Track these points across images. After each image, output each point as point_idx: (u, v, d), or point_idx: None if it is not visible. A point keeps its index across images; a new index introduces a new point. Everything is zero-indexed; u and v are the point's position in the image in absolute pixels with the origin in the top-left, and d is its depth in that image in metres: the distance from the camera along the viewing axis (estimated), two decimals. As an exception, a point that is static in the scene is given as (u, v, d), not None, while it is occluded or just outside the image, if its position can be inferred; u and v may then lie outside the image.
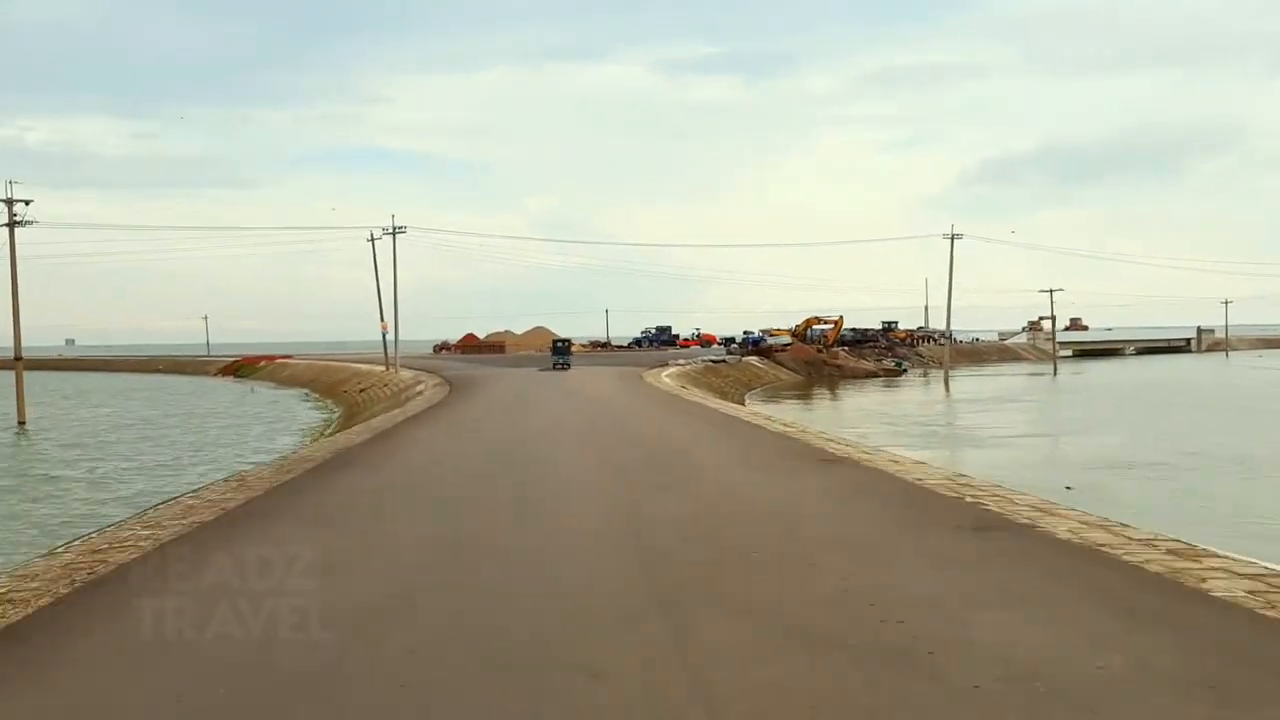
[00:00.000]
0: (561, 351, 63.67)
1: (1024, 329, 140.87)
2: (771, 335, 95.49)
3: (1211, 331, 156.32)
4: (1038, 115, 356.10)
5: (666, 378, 49.35)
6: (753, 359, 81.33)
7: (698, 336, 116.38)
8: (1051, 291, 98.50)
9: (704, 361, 68.69)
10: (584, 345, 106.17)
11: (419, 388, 43.64)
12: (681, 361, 64.13)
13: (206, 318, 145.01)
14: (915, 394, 69.98)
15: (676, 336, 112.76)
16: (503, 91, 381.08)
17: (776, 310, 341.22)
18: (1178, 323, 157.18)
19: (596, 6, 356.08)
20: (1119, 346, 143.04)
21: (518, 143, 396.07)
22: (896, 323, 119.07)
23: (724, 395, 54.67)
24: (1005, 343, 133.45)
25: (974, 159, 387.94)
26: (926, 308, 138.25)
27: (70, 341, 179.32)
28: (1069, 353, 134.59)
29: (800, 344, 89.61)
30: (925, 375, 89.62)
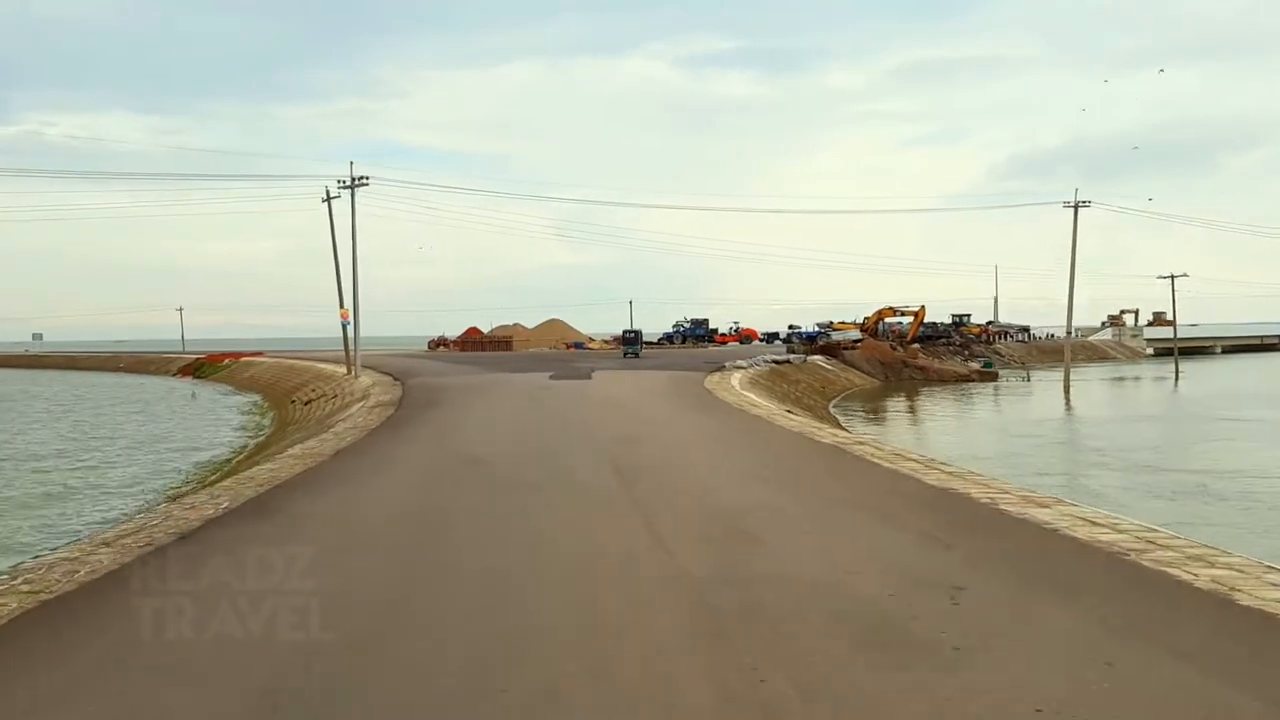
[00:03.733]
0: (631, 342, 68.74)
1: (1104, 324, 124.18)
2: (836, 330, 79.46)
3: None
4: (1067, 109, 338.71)
5: (740, 386, 33.33)
6: (818, 359, 65.16)
7: (736, 331, 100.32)
8: (1173, 277, 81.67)
9: (768, 363, 52.59)
10: (606, 342, 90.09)
11: (357, 407, 27.57)
12: (741, 363, 48.05)
13: (181, 310, 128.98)
14: (1039, 407, 53.82)
15: (714, 331, 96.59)
16: (523, 88, 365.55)
17: (811, 302, 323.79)
18: (1240, 319, 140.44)
19: (616, 3, 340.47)
20: (1208, 344, 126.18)
21: (539, 139, 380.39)
22: (969, 316, 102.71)
23: (807, 409, 38.84)
24: (1089, 339, 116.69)
25: (1003, 154, 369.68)
26: (996, 299, 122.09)
27: (38, 336, 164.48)
28: (1151, 350, 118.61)
29: (873, 340, 73.41)
30: (1026, 379, 73.16)
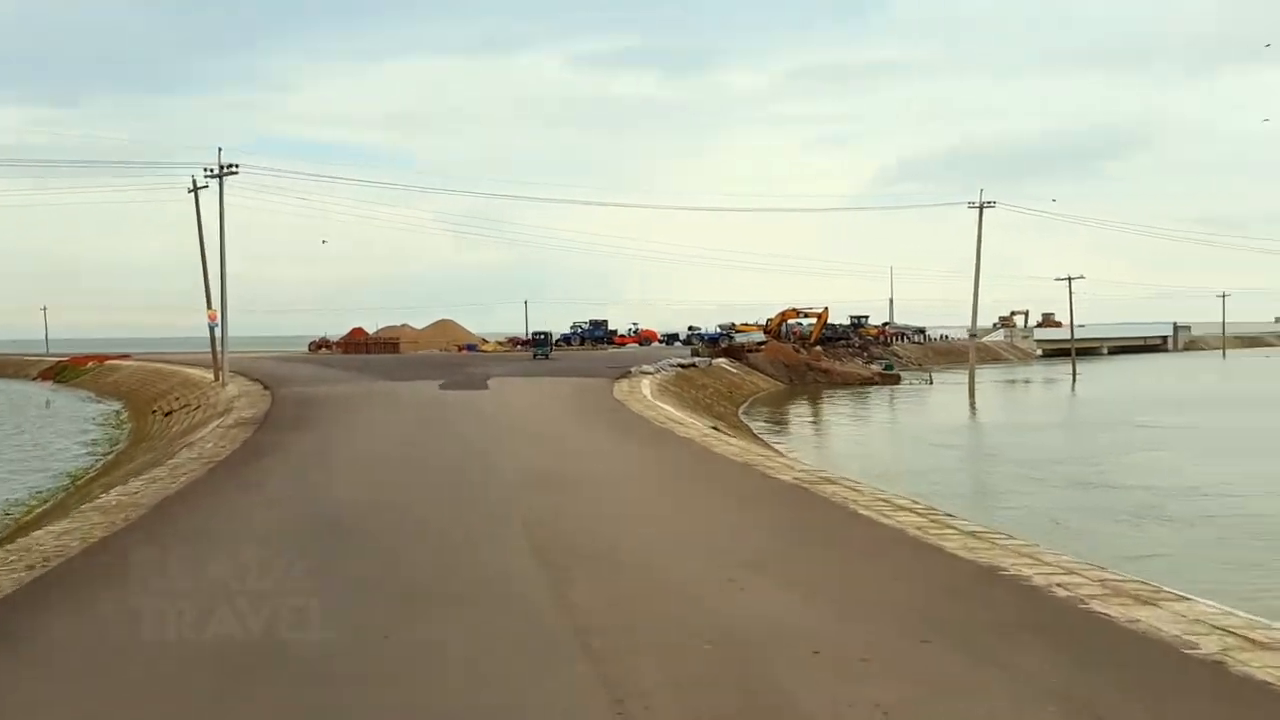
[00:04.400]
0: (542, 343, 69.06)
1: (996, 325, 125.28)
2: (739, 331, 77.43)
3: (1188, 329, 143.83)
4: (957, 115, 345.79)
5: (652, 395, 30.52)
6: (722, 362, 62.90)
7: (636, 332, 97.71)
8: (1070, 279, 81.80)
9: (674, 367, 49.99)
10: (500, 344, 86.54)
11: (214, 425, 23.85)
12: (648, 368, 45.30)
13: (45, 309, 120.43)
14: (948, 412, 52.42)
15: (613, 332, 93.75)
16: (422, 84, 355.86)
17: (709, 303, 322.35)
18: (1122, 320, 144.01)
19: (513, 2, 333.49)
20: (1095, 345, 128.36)
21: (441, 136, 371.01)
22: (867, 317, 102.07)
23: (718, 416, 36.33)
24: (983, 340, 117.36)
25: (894, 157, 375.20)
26: (892, 301, 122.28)
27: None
28: (1040, 352, 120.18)
29: (777, 343, 71.55)
30: (929, 382, 72.15)
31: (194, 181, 42.11)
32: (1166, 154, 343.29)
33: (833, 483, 13.39)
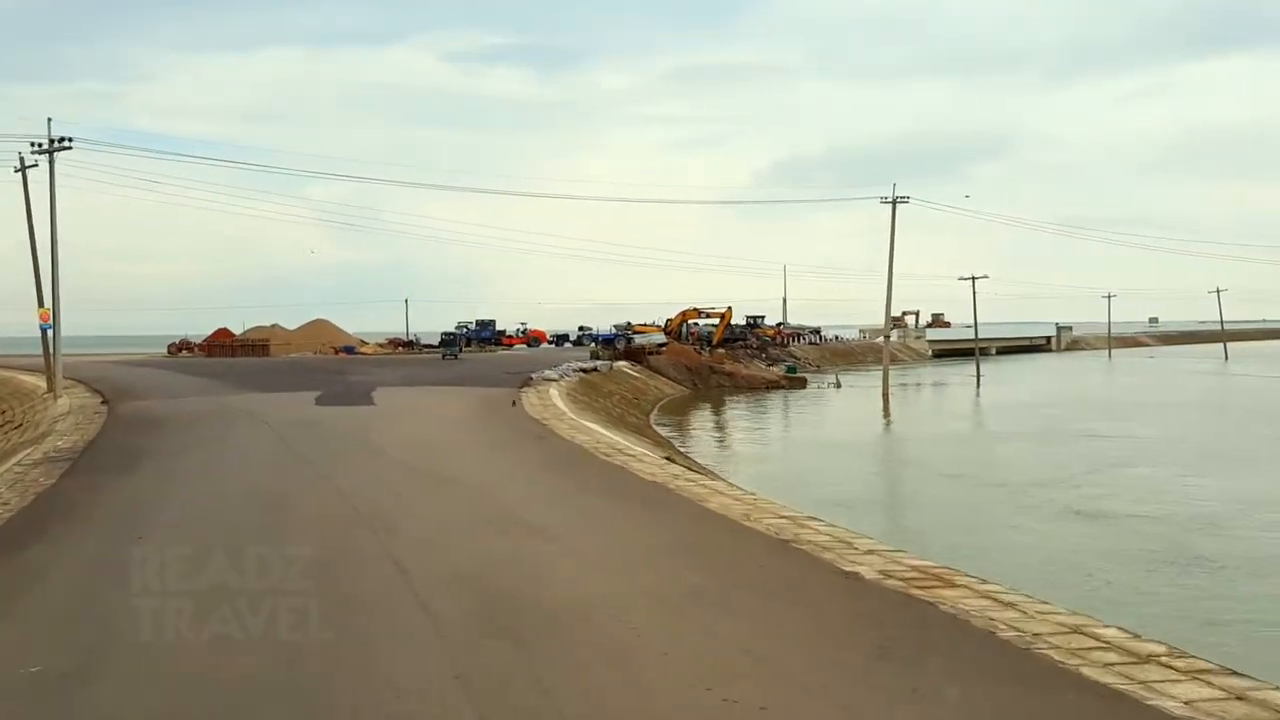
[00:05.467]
0: (451, 343, 68.27)
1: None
2: (638, 332, 73.23)
3: (1070, 329, 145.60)
4: (827, 118, 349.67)
5: (568, 408, 25.88)
6: (623, 365, 58.59)
7: (524, 333, 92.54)
8: (974, 279, 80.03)
9: (576, 372, 45.54)
10: (381, 345, 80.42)
11: (14, 460, 18.26)
12: (550, 374, 40.71)
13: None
14: (868, 420, 49.38)
15: (501, 333, 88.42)
16: (284, 75, 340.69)
17: (587, 301, 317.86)
18: (1005, 319, 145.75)
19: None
20: (985, 346, 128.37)
21: (303, 129, 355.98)
22: (763, 318, 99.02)
23: (631, 427, 32.16)
24: (877, 341, 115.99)
25: (767, 159, 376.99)
26: (785, 300, 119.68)
27: None
28: (931, 352, 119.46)
29: (678, 344, 67.63)
30: (836, 385, 69.09)
31: (20, 159, 35.77)
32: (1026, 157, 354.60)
33: (812, 532, 9.24)
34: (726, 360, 69.04)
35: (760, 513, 11.60)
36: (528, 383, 36.44)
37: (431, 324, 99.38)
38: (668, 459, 17.67)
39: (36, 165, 35.41)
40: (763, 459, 32.20)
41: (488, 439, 19.43)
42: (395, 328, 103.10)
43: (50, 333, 36.23)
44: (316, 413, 24.32)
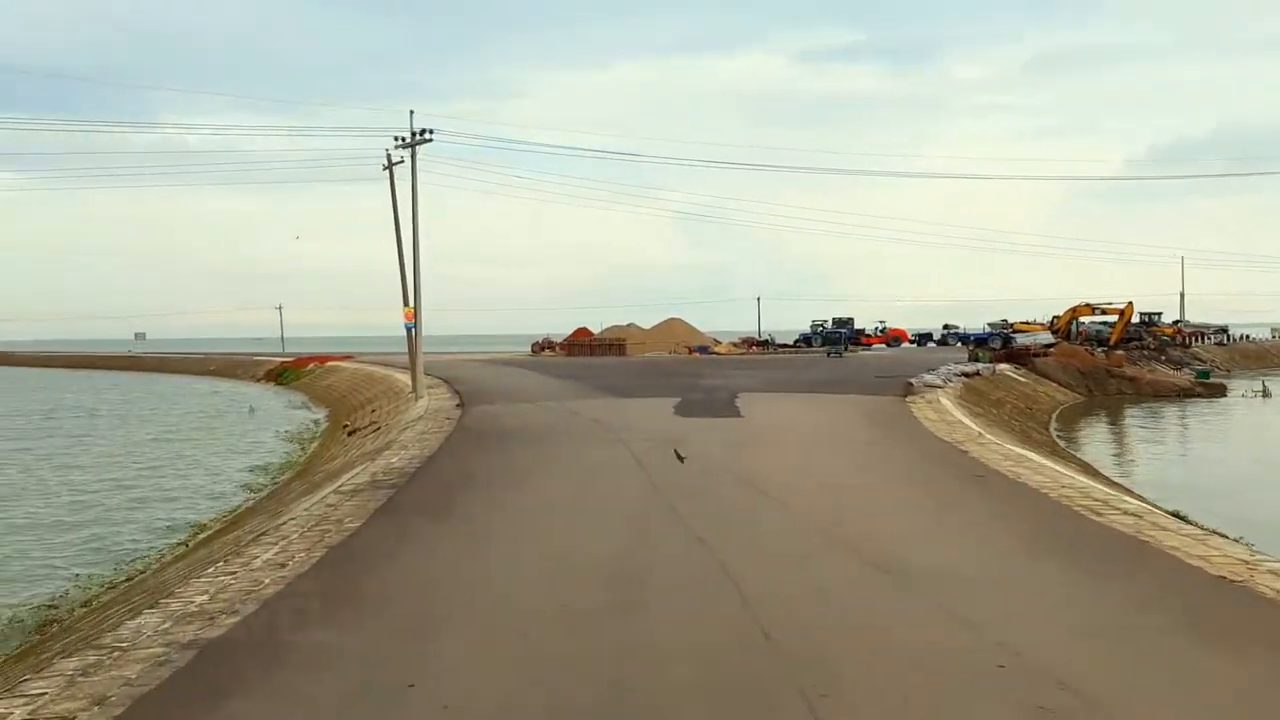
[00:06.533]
0: (836, 341, 64.52)
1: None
2: (1019, 330, 65.85)
3: None
4: (1208, 98, 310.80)
5: (979, 425, 20.87)
6: (1005, 368, 51.93)
7: (883, 332, 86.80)
8: None
9: (958, 376, 39.98)
10: (734, 345, 77.80)
11: (340, 482, 15.92)
12: (930, 378, 35.52)
13: (280, 308, 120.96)
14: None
15: (860, 332, 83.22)
16: (640, 86, 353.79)
17: (945, 299, 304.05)
18: None
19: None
20: None
21: (658, 137, 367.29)
22: (1160, 314, 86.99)
23: (1028, 440, 26.25)
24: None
25: (1142, 145, 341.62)
26: (1183, 295, 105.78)
27: (140, 335, 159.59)
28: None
29: (1069, 345, 59.72)
30: (1264, 394, 58.03)
31: (388, 156, 35.47)
32: None
33: None
34: (1125, 362, 60.18)
35: None
36: (909, 389, 31.56)
37: (780, 323, 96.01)
38: (1176, 514, 12.12)
39: (402, 161, 34.99)
40: (1228, 488, 24.69)
41: (907, 475, 14.70)
42: (746, 327, 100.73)
43: (413, 332, 35.79)
44: (677, 426, 20.74)
